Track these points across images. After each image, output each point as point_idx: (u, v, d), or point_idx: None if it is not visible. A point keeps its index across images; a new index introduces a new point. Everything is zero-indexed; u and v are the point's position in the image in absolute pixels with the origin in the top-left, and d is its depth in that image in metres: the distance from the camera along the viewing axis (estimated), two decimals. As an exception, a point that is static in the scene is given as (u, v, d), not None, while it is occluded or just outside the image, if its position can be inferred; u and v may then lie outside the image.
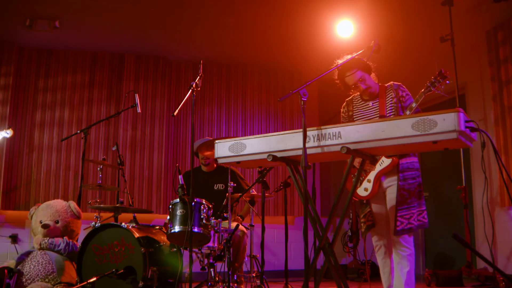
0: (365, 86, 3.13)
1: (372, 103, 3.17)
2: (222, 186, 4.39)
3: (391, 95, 3.11)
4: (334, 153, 2.49)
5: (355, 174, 2.67)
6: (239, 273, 4.12)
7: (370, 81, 3.16)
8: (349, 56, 3.06)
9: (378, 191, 3.09)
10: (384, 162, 3.02)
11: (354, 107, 3.27)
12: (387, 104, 3.09)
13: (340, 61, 3.06)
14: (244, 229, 4.13)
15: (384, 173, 3.04)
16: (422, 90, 2.97)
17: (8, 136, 4.51)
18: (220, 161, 2.79)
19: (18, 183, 5.68)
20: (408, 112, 2.97)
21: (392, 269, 3.08)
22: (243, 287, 4.15)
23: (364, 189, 3.10)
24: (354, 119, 3.20)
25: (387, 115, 3.06)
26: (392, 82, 3.19)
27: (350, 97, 3.35)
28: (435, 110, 2.27)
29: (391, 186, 3.04)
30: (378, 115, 3.10)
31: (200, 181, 4.53)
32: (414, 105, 2.97)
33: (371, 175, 3.07)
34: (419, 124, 2.22)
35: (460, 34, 5.15)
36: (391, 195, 3.02)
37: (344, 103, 3.36)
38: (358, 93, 3.27)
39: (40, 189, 5.71)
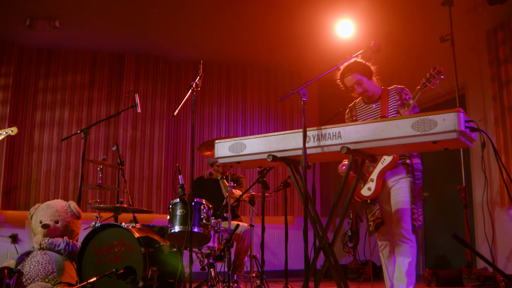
0: (361, 90, 3.17)
1: (375, 105, 3.20)
2: None
3: (395, 97, 3.13)
4: (334, 153, 2.49)
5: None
6: (239, 273, 4.13)
7: (368, 84, 3.17)
8: (353, 58, 3.10)
9: (383, 190, 3.11)
10: (386, 160, 3.04)
11: (357, 111, 3.30)
12: (389, 106, 3.12)
13: (343, 62, 3.11)
14: (246, 225, 4.17)
15: (386, 171, 3.07)
16: (418, 87, 3.00)
17: (12, 133, 4.51)
18: (220, 161, 2.80)
19: (18, 183, 5.68)
20: (406, 109, 2.98)
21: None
22: (243, 287, 4.15)
23: (368, 188, 3.12)
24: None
25: (389, 116, 3.08)
26: (395, 85, 3.21)
27: (352, 103, 3.38)
28: (435, 110, 2.27)
29: (396, 184, 3.06)
30: (380, 116, 3.12)
31: (209, 187, 4.60)
32: (411, 102, 3.00)
33: (374, 174, 3.10)
34: (419, 124, 2.22)
35: (460, 34, 5.15)
36: (399, 194, 3.04)
37: (347, 110, 3.39)
38: (360, 97, 3.31)
39: (40, 189, 5.71)
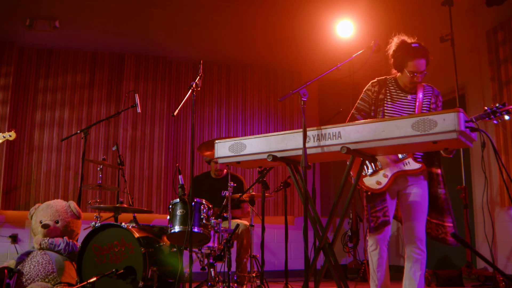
0: (420, 80, 2.95)
1: (411, 97, 2.99)
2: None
3: (431, 99, 2.97)
4: (334, 153, 2.49)
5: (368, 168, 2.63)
6: (239, 273, 4.13)
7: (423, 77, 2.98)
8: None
9: (392, 188, 2.94)
10: (411, 164, 2.89)
11: (388, 92, 3.03)
12: (423, 105, 2.95)
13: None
14: (246, 223, 4.17)
15: (406, 175, 2.93)
16: (479, 114, 2.81)
17: (10, 138, 4.51)
18: (220, 161, 2.79)
19: (18, 183, 5.68)
20: None
21: (385, 267, 3.03)
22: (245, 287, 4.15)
23: (377, 182, 2.93)
24: (385, 105, 3.00)
25: None
26: (433, 85, 3.05)
27: (384, 78, 3.11)
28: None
29: (413, 186, 2.92)
30: (412, 112, 2.94)
31: (209, 186, 4.60)
32: None
33: (389, 171, 2.92)
34: (419, 124, 2.22)
35: (460, 34, 5.15)
36: (416, 202, 2.90)
37: (375, 81, 3.11)
38: (393, 76, 3.08)
39: (40, 189, 5.71)
